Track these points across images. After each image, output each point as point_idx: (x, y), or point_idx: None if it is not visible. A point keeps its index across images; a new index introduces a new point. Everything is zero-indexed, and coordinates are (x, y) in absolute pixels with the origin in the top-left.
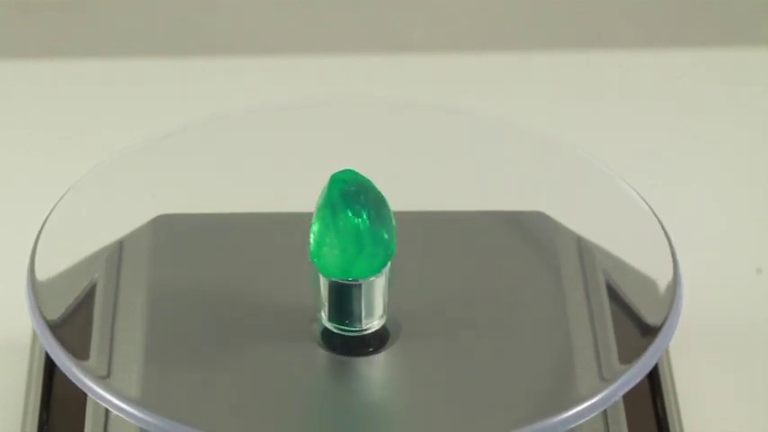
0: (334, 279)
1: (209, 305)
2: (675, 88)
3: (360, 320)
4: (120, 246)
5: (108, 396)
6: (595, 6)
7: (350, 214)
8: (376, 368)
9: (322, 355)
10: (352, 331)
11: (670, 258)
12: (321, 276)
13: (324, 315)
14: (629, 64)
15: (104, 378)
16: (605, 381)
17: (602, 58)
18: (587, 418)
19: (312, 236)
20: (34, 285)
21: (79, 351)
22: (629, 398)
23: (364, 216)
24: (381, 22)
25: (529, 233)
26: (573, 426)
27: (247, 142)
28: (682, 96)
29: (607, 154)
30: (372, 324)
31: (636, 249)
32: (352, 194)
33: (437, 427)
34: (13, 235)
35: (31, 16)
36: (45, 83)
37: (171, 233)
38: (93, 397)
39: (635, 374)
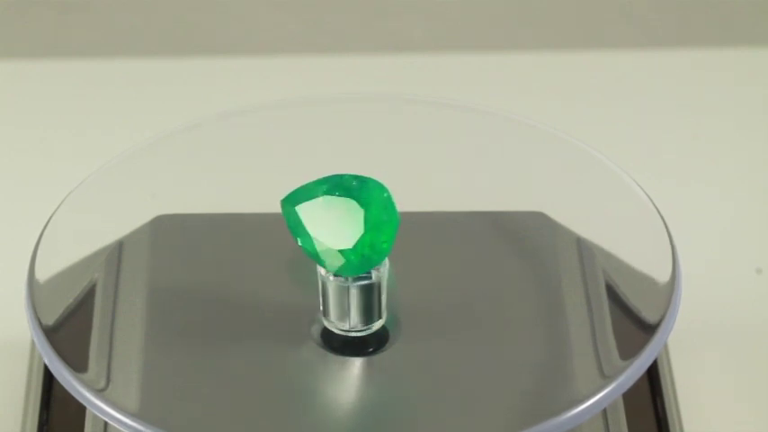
0: (333, 278)
1: (208, 305)
2: (675, 88)
3: (359, 320)
4: (120, 246)
5: (107, 409)
6: (595, 6)
7: None
8: (376, 368)
9: (322, 355)
10: (352, 331)
11: (670, 258)
12: (320, 276)
13: (323, 315)
14: (629, 64)
15: (103, 390)
16: (605, 379)
17: (602, 58)
18: (588, 418)
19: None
20: (33, 295)
21: (78, 356)
22: (629, 398)
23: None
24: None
25: (529, 233)
26: (574, 426)
27: (247, 142)
28: (682, 96)
29: (607, 154)
30: (372, 324)
31: (636, 249)
32: None
33: (436, 427)
34: (13, 235)
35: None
36: (45, 83)
37: (171, 233)
38: (91, 409)
39: (634, 372)
